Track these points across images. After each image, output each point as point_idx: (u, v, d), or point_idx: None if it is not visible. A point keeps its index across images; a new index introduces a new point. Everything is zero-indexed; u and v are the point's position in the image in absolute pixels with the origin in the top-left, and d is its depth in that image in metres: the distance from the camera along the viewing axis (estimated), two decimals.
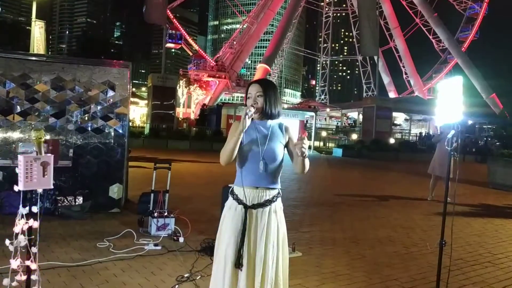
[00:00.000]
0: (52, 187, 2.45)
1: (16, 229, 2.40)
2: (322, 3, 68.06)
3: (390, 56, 60.97)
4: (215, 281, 2.53)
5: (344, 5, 69.10)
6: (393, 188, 12.09)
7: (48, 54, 42.12)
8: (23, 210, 2.38)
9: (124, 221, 6.05)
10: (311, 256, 4.98)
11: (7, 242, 2.44)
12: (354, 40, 64.25)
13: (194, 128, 25.97)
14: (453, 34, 56.47)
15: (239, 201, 2.51)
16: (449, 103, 3.14)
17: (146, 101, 33.66)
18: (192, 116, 42.38)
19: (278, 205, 2.63)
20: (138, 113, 43.81)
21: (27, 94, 6.33)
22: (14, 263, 2.41)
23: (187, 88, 48.75)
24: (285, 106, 52.75)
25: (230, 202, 2.59)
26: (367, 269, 4.64)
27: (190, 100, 48.28)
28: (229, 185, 5.47)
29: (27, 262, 2.42)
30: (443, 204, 3.62)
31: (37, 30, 26.67)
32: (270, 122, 2.61)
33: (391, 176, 15.84)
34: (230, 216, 2.54)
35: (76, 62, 6.87)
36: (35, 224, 2.42)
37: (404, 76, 59.87)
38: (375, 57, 52.52)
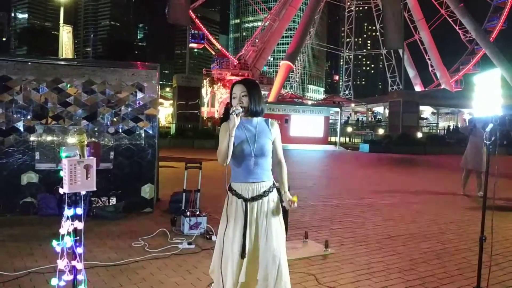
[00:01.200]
0: (95, 189, 2.52)
1: (62, 230, 2.47)
2: None
3: (415, 49, 59.92)
4: (223, 270, 2.64)
5: None
6: (423, 182, 11.89)
7: (78, 58, 43.08)
8: (68, 212, 2.45)
9: (157, 220, 6.14)
10: (344, 253, 4.96)
11: (55, 243, 2.52)
12: (378, 33, 63.45)
13: (218, 127, 26.02)
14: (480, 24, 55.01)
15: (239, 196, 2.69)
16: (487, 96, 3.07)
17: (171, 101, 34.01)
18: (217, 115, 42.61)
19: (274, 195, 2.80)
20: (163, 113, 44.27)
21: (60, 98, 6.48)
22: (61, 263, 2.49)
23: (211, 87, 49.06)
24: (309, 102, 52.54)
25: (230, 198, 2.74)
26: (402, 266, 4.59)
27: (214, 99, 48.57)
28: None
29: (73, 262, 2.49)
30: (482, 199, 3.53)
31: (65, 35, 27.31)
32: (256, 119, 2.76)
33: (420, 171, 15.58)
34: (232, 210, 2.70)
35: (106, 65, 7.01)
36: (79, 225, 2.49)
37: (430, 68, 58.70)
38: (400, 50, 51.69)
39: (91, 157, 2.50)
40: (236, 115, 2.57)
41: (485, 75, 3.25)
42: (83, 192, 2.48)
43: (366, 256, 4.87)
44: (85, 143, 2.47)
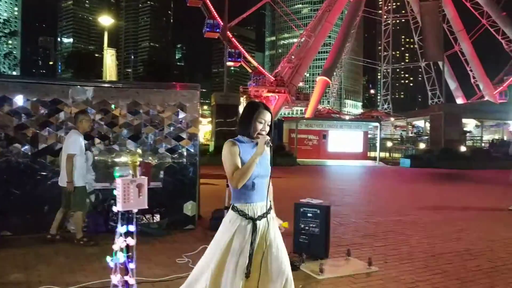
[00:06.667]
0: (147, 206, 2.63)
1: (115, 246, 2.60)
2: (380, 12, 66.94)
3: (456, 61, 58.43)
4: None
5: (403, 11, 67.56)
6: (468, 198, 11.51)
7: (122, 80, 44.60)
8: (121, 229, 2.57)
9: (199, 237, 6.24)
10: (388, 271, 4.87)
11: (108, 259, 2.64)
12: (416, 46, 62.42)
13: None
14: None
15: (246, 216, 2.72)
16: None
17: (209, 119, 34.55)
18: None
19: (273, 213, 2.91)
20: (202, 131, 45.03)
21: (106, 119, 6.76)
22: (115, 278, 2.61)
23: None
24: (347, 117, 52.09)
25: (233, 217, 2.75)
26: (449, 285, 4.47)
27: None
28: (301, 201, 5.52)
29: (126, 278, 2.60)
30: None
31: (109, 58, 28.46)
32: (253, 143, 2.80)
33: (465, 186, 15.08)
34: (235, 230, 2.70)
35: (149, 86, 7.27)
36: (131, 242, 2.61)
37: (472, 80, 57.00)
38: (440, 63, 50.62)
39: (143, 176, 2.63)
40: (267, 146, 2.68)
41: None
42: (135, 210, 2.60)
43: (412, 275, 4.77)
44: (138, 163, 2.60)
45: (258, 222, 2.72)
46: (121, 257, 2.57)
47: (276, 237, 2.79)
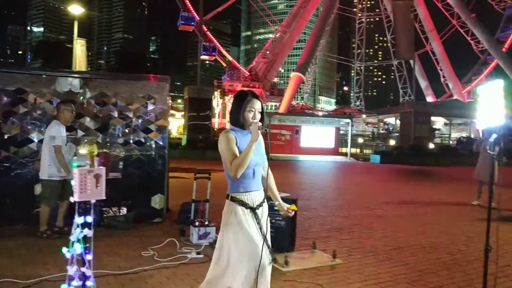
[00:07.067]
0: (104, 197, 2.60)
1: (72, 237, 2.55)
2: (354, 9, 67.65)
3: (427, 60, 59.80)
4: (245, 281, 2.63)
5: (377, 10, 68.50)
6: (434, 194, 11.81)
7: (91, 71, 43.72)
8: (78, 220, 2.53)
9: (166, 230, 6.20)
10: (352, 263, 4.96)
11: (65, 249, 2.59)
12: (389, 44, 63.42)
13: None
14: (492, 34, 54.76)
15: (246, 206, 2.72)
16: (490, 107, 3.10)
17: (182, 113, 34.28)
18: (228, 126, 42.78)
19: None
20: (175, 124, 44.64)
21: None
22: (71, 270, 2.56)
23: (222, 98, 49.38)
24: (320, 113, 52.56)
25: (234, 208, 2.72)
26: (410, 276, 4.58)
27: (225, 111, 48.86)
28: (268, 194, 5.54)
29: (83, 269, 2.56)
30: (487, 209, 3.54)
31: (79, 48, 27.76)
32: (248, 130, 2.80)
33: (432, 182, 15.45)
34: (242, 220, 2.69)
35: (118, 77, 7.15)
36: (89, 233, 2.57)
37: (442, 79, 58.46)
38: (411, 61, 51.57)
39: (101, 167, 2.58)
40: (261, 131, 2.68)
41: (487, 86, 3.29)
42: (93, 201, 2.56)
43: (374, 267, 4.87)
44: (95, 153, 2.56)
45: (257, 211, 2.76)
46: (78, 248, 2.53)
47: (268, 227, 2.80)
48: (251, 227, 2.69)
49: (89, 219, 2.55)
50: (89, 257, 2.58)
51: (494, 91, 2.85)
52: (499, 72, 52.76)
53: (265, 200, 2.85)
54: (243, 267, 2.62)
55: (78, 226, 2.54)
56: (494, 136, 3.07)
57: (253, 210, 2.73)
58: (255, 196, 2.77)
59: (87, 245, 2.59)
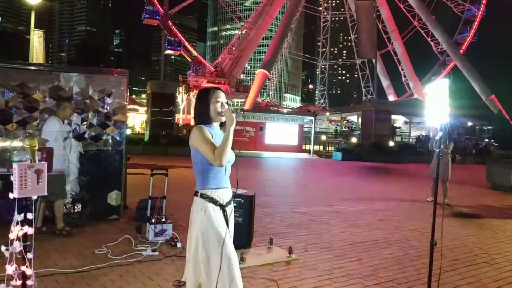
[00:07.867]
0: (46, 193, 2.50)
1: (12, 235, 2.45)
2: (320, 8, 68.41)
3: (389, 59, 61.17)
4: (228, 280, 2.57)
5: (342, 9, 69.41)
6: (392, 190, 12.11)
7: (47, 63, 42.28)
8: (18, 217, 2.43)
9: (122, 227, 6.09)
10: (307, 259, 5.01)
11: (3, 248, 2.48)
12: (353, 44, 64.50)
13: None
14: (451, 36, 56.67)
15: (216, 203, 2.68)
16: (437, 105, 3.20)
17: (145, 108, 33.72)
18: (192, 122, 42.45)
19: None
20: (138, 120, 43.88)
21: (26, 103, 6.38)
22: (10, 269, 2.46)
23: (187, 94, 48.94)
24: (285, 110, 52.90)
25: (204, 205, 2.66)
26: (363, 271, 4.68)
27: (190, 106, 48.43)
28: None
29: (23, 268, 2.46)
30: (433, 204, 3.66)
31: (36, 39, 26.72)
32: (216, 126, 2.80)
33: (390, 179, 15.86)
34: (212, 217, 2.64)
35: (74, 71, 6.93)
36: (30, 230, 2.47)
37: (403, 79, 59.98)
38: (374, 60, 52.67)
39: (43, 162, 2.49)
40: (237, 116, 2.61)
41: (434, 85, 3.39)
42: (34, 197, 2.46)
43: (329, 262, 4.95)
44: (36, 147, 2.46)
45: (226, 208, 2.73)
46: (18, 246, 2.43)
47: (231, 225, 2.79)
48: (220, 225, 2.65)
49: (30, 216, 2.45)
50: (29, 255, 2.48)
51: (440, 90, 2.93)
52: (457, 73, 54.72)
53: (232, 199, 2.84)
54: (214, 264, 2.58)
55: (18, 224, 2.44)
56: (439, 134, 3.17)
57: (222, 207, 2.71)
58: (225, 193, 2.74)
59: (28, 243, 2.49)
